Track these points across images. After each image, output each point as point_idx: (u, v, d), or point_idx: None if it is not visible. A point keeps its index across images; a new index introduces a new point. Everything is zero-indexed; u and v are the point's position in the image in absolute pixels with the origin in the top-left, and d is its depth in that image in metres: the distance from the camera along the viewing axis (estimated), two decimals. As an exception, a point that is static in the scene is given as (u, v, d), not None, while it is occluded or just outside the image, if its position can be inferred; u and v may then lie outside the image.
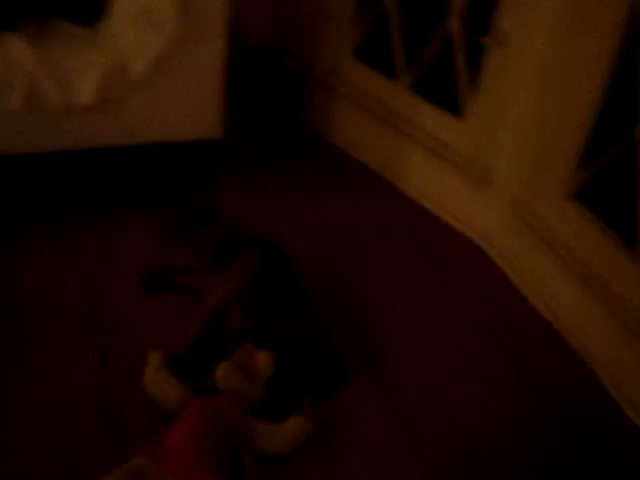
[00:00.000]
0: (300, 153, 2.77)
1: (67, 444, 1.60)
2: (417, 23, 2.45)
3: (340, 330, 1.96)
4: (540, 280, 2.15)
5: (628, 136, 1.86)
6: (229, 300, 1.86)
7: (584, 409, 1.87)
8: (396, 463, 1.66)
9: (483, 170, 2.29)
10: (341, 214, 2.49)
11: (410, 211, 2.54)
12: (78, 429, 1.64)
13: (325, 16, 2.66)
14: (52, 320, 1.91)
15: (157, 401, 1.66)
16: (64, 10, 2.14)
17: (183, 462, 1.47)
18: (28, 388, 1.72)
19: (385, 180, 2.66)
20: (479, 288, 2.24)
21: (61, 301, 1.98)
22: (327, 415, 1.72)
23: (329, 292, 2.08)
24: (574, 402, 1.88)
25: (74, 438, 1.61)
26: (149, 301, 2.00)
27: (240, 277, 1.91)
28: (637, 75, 1.83)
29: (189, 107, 2.24)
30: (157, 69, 2.12)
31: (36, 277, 2.05)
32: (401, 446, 1.70)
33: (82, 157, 2.26)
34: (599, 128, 1.96)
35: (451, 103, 2.37)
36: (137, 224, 2.29)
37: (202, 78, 2.21)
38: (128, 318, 1.94)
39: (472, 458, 1.69)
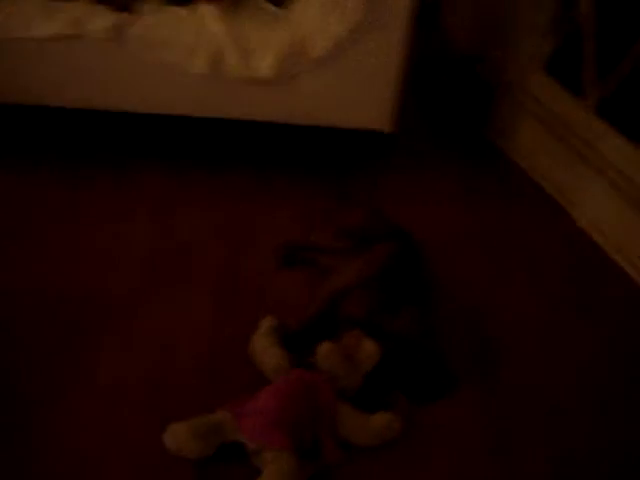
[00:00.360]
0: (473, 162, 2.70)
1: (165, 379, 1.71)
2: (612, 41, 2.29)
3: (460, 338, 1.91)
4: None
5: None
6: (352, 285, 1.86)
7: None
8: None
9: (658, 208, 2.12)
10: (500, 230, 2.38)
11: (576, 240, 2.39)
12: (178, 369, 1.74)
13: (520, 26, 2.58)
14: (194, 270, 2.05)
15: (257, 365, 1.71)
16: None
17: (262, 421, 1.50)
18: (144, 322, 1.87)
19: (557, 204, 2.52)
20: (628, 333, 2.06)
21: (203, 257, 2.10)
22: (420, 416, 1.69)
23: (461, 302, 2.03)
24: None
25: (171, 376, 1.72)
26: (283, 272, 2.07)
27: (369, 265, 1.91)
28: None
29: (361, 96, 2.26)
30: (336, 54, 2.17)
31: (187, 230, 2.20)
32: (488, 462, 1.62)
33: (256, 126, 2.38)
34: None
35: (635, 130, 2.20)
36: (290, 200, 2.36)
37: (379, 69, 2.22)
38: (259, 283, 2.02)
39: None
